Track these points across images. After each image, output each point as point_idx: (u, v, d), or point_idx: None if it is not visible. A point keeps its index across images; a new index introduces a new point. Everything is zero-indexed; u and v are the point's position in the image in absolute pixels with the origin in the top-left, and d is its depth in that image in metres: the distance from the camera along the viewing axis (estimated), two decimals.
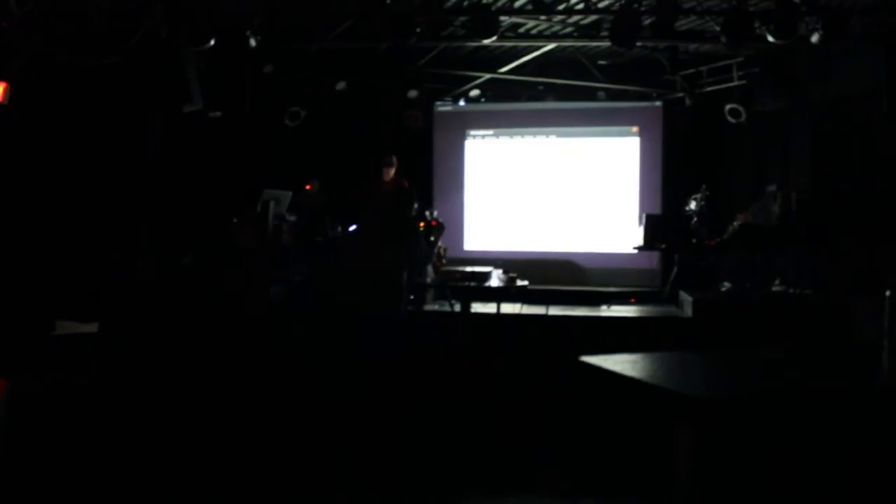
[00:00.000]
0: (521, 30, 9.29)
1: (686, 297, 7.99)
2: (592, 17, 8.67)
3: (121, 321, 7.01)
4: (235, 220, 7.92)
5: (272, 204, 7.91)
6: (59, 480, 4.72)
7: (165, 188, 8.34)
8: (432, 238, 8.13)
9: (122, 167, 8.07)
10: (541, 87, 10.91)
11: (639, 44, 8.47)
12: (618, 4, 8.28)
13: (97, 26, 7.55)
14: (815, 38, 7.56)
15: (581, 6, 8.43)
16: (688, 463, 2.65)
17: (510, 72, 10.43)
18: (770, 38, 7.50)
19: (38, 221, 7.65)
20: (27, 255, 7.49)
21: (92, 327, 6.82)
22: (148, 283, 7.75)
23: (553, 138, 11.09)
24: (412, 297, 7.72)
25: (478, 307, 7.92)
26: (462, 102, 11.23)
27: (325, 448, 5.60)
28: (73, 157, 7.86)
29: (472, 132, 11.30)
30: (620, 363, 2.95)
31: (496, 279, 7.51)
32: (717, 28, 7.89)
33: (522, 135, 11.20)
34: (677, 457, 2.73)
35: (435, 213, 8.83)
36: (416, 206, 7.11)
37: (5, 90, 7.18)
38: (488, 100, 11.18)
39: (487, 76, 10.66)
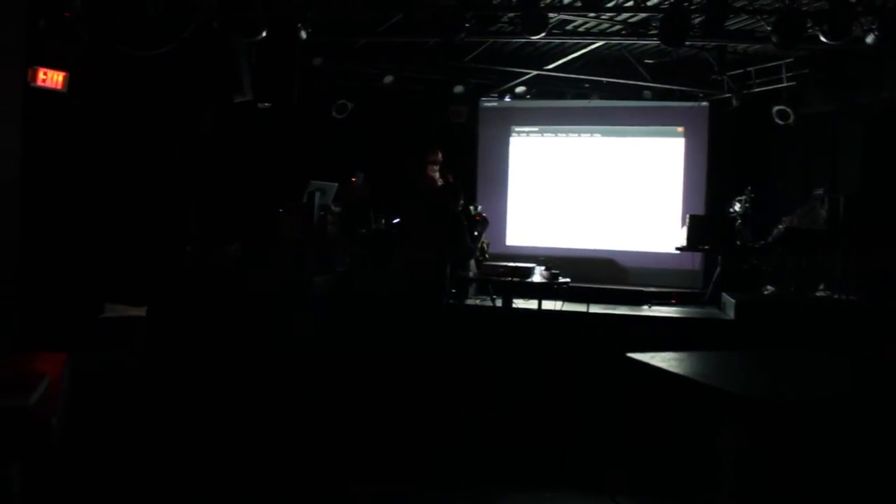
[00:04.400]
0: (569, 27, 9.27)
1: (728, 300, 7.94)
2: (641, 15, 8.64)
3: (167, 306, 7.16)
4: (281, 211, 8.03)
5: (318, 195, 7.99)
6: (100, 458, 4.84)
7: (214, 177, 8.48)
8: (476, 232, 8.17)
9: (174, 155, 8.22)
10: (586, 85, 10.88)
11: (687, 43, 8.41)
12: (667, 3, 8.22)
13: (153, 17, 7.70)
14: (870, 39, 7.43)
15: (630, 4, 8.39)
16: (734, 461, 2.67)
17: (556, 69, 10.41)
18: (823, 39, 7.39)
19: (93, 207, 7.83)
20: (81, 239, 7.67)
21: (140, 311, 6.98)
22: (195, 270, 7.89)
23: (597, 137, 11.06)
24: (454, 290, 7.76)
25: (519, 303, 7.95)
26: (507, 99, 11.25)
27: (364, 439, 5.66)
28: (127, 144, 8.03)
29: (517, 129, 11.32)
30: (667, 361, 2.98)
31: (539, 275, 7.54)
32: (768, 28, 7.80)
33: (567, 132, 11.18)
34: (723, 455, 2.75)
35: (479, 208, 8.87)
36: (461, 200, 7.15)
37: (65, 79, 7.37)
38: (534, 97, 11.18)
39: (533, 73, 10.65)
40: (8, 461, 1.40)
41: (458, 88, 10.71)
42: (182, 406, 5.87)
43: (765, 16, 8.12)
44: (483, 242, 8.45)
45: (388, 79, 10.37)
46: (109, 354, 6.44)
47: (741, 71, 10.05)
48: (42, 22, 7.35)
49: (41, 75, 7.34)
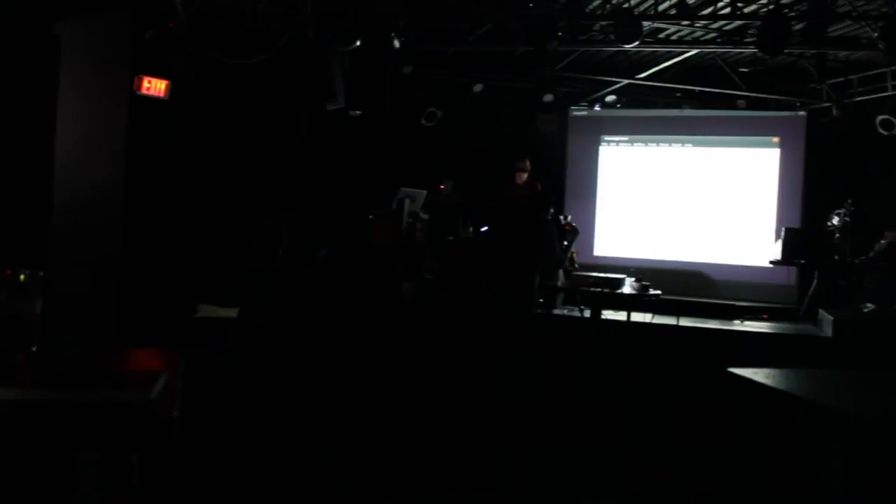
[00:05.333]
0: (662, 35, 9.12)
1: (826, 316, 7.68)
2: (737, 23, 8.44)
3: (258, 308, 7.33)
4: (371, 217, 8.13)
5: (407, 202, 8.07)
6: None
7: (307, 183, 8.65)
8: (566, 242, 8.11)
9: (268, 161, 8.42)
10: (678, 94, 10.70)
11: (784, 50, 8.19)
12: (765, 10, 8.01)
13: (251, 27, 7.93)
14: None
15: (726, 11, 8.21)
16: (843, 481, 2.58)
17: (647, 78, 10.26)
18: None
19: (189, 210, 8.08)
20: (178, 241, 7.92)
21: (230, 312, 7.17)
22: (285, 274, 8.05)
23: (689, 147, 10.85)
24: (541, 300, 7.72)
25: (608, 314, 7.86)
26: (597, 108, 11.15)
27: (454, 446, 5.67)
28: (224, 150, 8.27)
29: (607, 138, 11.19)
30: (770, 377, 2.90)
31: (628, 287, 7.44)
32: (874, 34, 7.52)
33: (658, 142, 11.00)
34: (831, 475, 2.65)
35: (569, 218, 8.81)
36: (551, 208, 7.12)
37: (167, 87, 7.65)
38: (624, 105, 11.06)
39: (624, 82, 10.52)
40: (129, 452, 1.46)
41: (548, 97, 10.66)
42: (273, 404, 5.99)
43: (870, 21, 7.84)
44: (571, 253, 8.38)
45: (478, 87, 10.41)
46: (201, 353, 6.62)
47: (842, 79, 9.71)
48: (148, 33, 7.66)
49: (146, 83, 7.64)
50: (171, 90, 7.69)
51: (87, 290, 1.38)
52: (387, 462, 5.28)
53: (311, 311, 7.26)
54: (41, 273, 1.48)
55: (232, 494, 4.62)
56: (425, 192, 8.45)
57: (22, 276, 1.47)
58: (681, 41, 9.22)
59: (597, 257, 10.64)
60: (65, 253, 7.35)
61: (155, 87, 7.70)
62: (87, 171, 7.76)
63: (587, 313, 7.61)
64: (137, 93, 7.61)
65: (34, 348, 1.47)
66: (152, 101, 7.70)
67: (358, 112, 8.68)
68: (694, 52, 9.41)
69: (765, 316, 8.91)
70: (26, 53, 7.62)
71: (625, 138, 11.14)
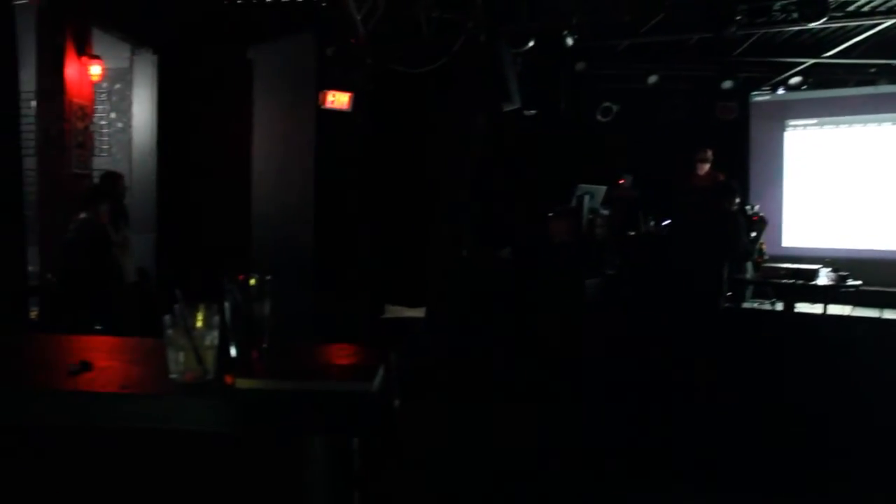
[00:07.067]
0: (851, 7, 8.59)
1: None
2: None
3: (443, 307, 7.54)
4: (551, 215, 8.15)
5: (586, 198, 8.03)
6: None
7: (486, 184, 8.81)
8: (754, 233, 7.83)
9: (448, 165, 8.65)
10: (872, 70, 10.04)
11: None
12: None
13: (426, 37, 8.19)
14: None
15: None
16: None
17: (836, 55, 9.69)
18: None
19: (375, 215, 8.45)
20: (363, 245, 8.30)
21: (418, 312, 7.41)
22: (469, 274, 8.23)
23: (887, 126, 10.16)
24: (730, 293, 7.49)
25: (801, 307, 7.51)
26: (781, 91, 10.68)
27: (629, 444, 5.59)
28: (405, 157, 8.58)
29: (793, 122, 10.71)
30: None
31: (824, 277, 7.07)
32: None
33: (850, 123, 10.39)
34: None
35: (756, 208, 8.49)
36: (736, 199, 6.89)
37: (350, 99, 8.04)
38: (810, 87, 10.53)
39: (810, 61, 10.00)
40: (352, 437, 1.60)
41: (727, 84, 10.30)
42: (465, 403, 6.13)
43: None
44: (760, 244, 8.07)
45: (653, 78, 10.22)
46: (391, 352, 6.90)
47: None
48: (329, 49, 8.09)
49: (330, 97, 8.07)
50: (354, 102, 8.08)
51: (286, 291, 1.53)
52: (577, 464, 5.29)
53: (495, 310, 7.38)
54: (268, 278, 1.63)
55: (441, 481, 4.78)
56: (605, 187, 8.38)
57: (252, 281, 1.63)
58: (873, 13, 8.65)
59: (786, 248, 10.20)
60: (263, 258, 7.89)
61: (338, 100, 8.12)
62: (281, 183, 8.34)
63: (779, 306, 7.29)
64: (322, 107, 8.06)
65: (265, 345, 1.63)
66: (336, 113, 8.12)
67: (533, 111, 8.75)
68: (890, 22, 8.79)
69: None
70: (226, 77, 8.26)
71: (812, 121, 10.60)
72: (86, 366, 1.64)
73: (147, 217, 8.02)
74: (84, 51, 7.47)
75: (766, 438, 5.67)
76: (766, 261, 7.93)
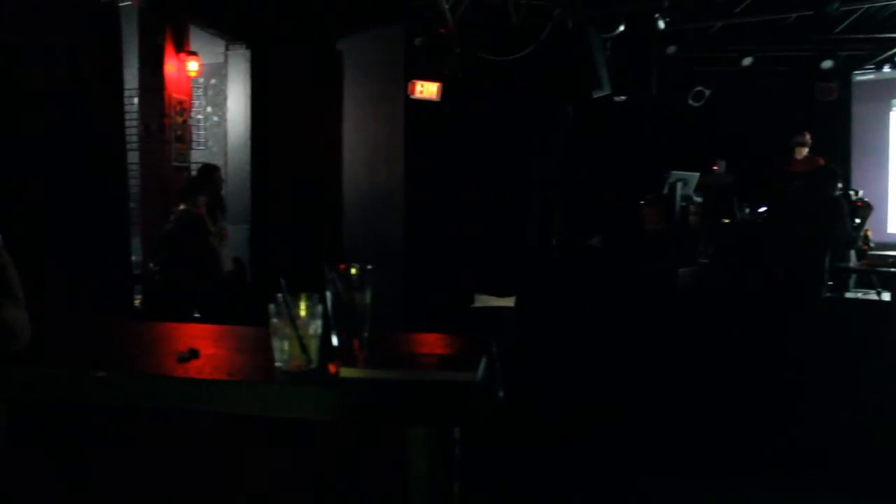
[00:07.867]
0: None
1: None
2: None
3: (535, 297, 7.50)
4: (643, 202, 8.02)
5: (679, 185, 7.86)
6: None
7: (577, 171, 8.72)
8: (857, 219, 7.52)
9: (538, 153, 8.60)
10: None
11: None
12: None
13: (514, 24, 8.14)
14: None
15: None
16: None
17: None
18: None
19: (464, 205, 8.46)
20: (453, 234, 8.32)
21: (506, 301, 7.40)
22: (560, 262, 8.17)
23: None
24: (831, 282, 7.22)
25: None
26: (886, 69, 10.20)
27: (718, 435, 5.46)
28: (494, 145, 8.56)
29: None
30: None
31: None
32: None
33: None
34: None
35: (860, 193, 8.17)
36: (838, 183, 6.63)
37: (439, 89, 8.07)
38: None
39: None
40: (453, 427, 1.59)
41: (827, 63, 9.91)
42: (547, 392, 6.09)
43: None
44: (865, 230, 7.75)
45: (747, 60, 9.90)
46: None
47: None
48: (417, 40, 8.12)
49: (419, 87, 8.12)
50: (442, 91, 8.09)
51: (377, 281, 1.53)
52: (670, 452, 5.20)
53: (585, 300, 7.30)
54: (369, 267, 1.64)
55: (543, 470, 4.76)
56: (698, 174, 8.19)
57: (354, 270, 1.63)
58: None
59: (892, 234, 9.77)
60: (354, 248, 8.00)
61: (427, 90, 8.16)
62: (371, 173, 8.44)
63: (886, 296, 6.99)
64: (411, 96, 8.11)
65: (366, 334, 1.64)
66: (425, 103, 8.16)
67: (623, 97, 8.60)
68: None
69: None
70: (317, 70, 8.40)
71: None
72: (194, 353, 1.68)
73: (242, 208, 8.23)
74: (182, 48, 7.71)
75: (875, 437, 5.45)
76: (871, 248, 7.61)
